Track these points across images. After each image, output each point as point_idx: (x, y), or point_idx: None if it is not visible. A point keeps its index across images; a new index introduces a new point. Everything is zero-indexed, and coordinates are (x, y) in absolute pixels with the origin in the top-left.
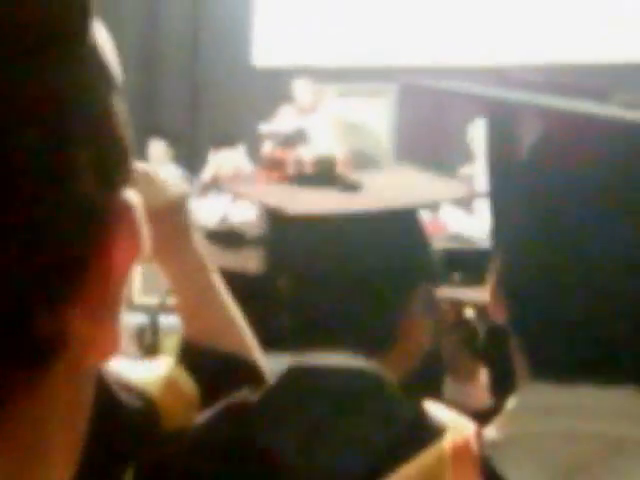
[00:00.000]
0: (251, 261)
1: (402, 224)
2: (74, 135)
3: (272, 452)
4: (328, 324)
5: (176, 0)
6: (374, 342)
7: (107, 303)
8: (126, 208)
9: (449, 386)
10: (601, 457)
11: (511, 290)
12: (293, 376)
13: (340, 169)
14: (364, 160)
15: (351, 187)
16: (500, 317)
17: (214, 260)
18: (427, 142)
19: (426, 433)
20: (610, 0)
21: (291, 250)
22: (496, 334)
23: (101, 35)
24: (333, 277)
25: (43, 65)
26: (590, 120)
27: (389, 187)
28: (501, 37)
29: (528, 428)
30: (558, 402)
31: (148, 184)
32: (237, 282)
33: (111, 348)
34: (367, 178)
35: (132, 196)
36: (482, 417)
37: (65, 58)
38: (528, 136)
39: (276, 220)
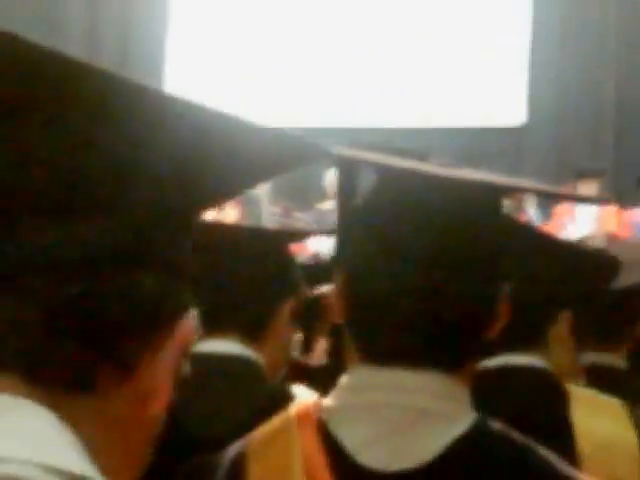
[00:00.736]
0: None
1: (275, 247)
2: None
3: (180, 419)
4: (221, 319)
5: None
6: (251, 333)
7: (164, 369)
8: (188, 326)
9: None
10: (410, 423)
11: (349, 297)
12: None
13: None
14: (249, 198)
15: None
16: (339, 317)
17: None
18: (295, 185)
19: (283, 403)
20: (434, 76)
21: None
22: (338, 330)
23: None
24: (228, 286)
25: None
26: (412, 173)
27: None
28: (352, 105)
29: (355, 400)
30: (379, 381)
31: None
32: None
33: (163, 397)
34: None
35: (192, 316)
36: (317, 372)
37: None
38: (367, 183)
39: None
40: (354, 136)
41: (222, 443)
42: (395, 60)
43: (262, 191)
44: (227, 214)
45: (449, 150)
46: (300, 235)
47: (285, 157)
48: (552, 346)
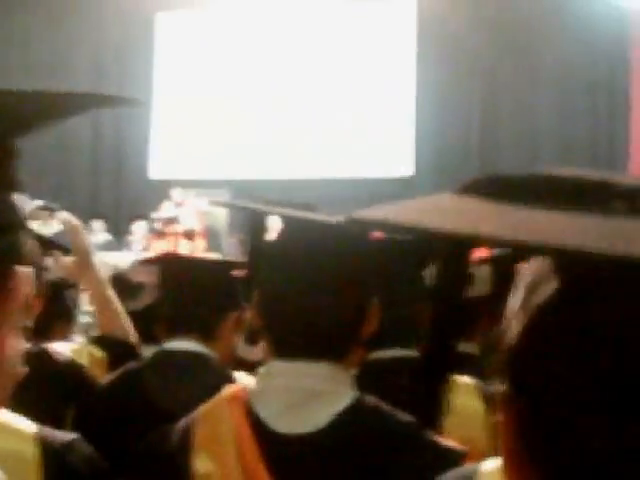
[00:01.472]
0: (143, 296)
1: (223, 274)
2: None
3: (152, 398)
4: (184, 324)
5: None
6: (206, 335)
7: (6, 320)
8: (24, 280)
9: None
10: (307, 399)
11: (262, 310)
12: (159, 354)
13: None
14: (212, 232)
15: None
16: (257, 324)
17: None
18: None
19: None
20: (335, 134)
21: (168, 284)
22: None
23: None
24: (188, 300)
25: None
26: (304, 220)
27: None
28: (252, 158)
29: (268, 383)
30: (284, 370)
31: (72, 228)
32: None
33: (10, 343)
34: None
35: (21, 270)
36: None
37: None
38: (274, 229)
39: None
40: (253, 187)
41: (182, 415)
42: (299, 119)
43: (222, 226)
44: (196, 245)
45: (346, 198)
46: (241, 265)
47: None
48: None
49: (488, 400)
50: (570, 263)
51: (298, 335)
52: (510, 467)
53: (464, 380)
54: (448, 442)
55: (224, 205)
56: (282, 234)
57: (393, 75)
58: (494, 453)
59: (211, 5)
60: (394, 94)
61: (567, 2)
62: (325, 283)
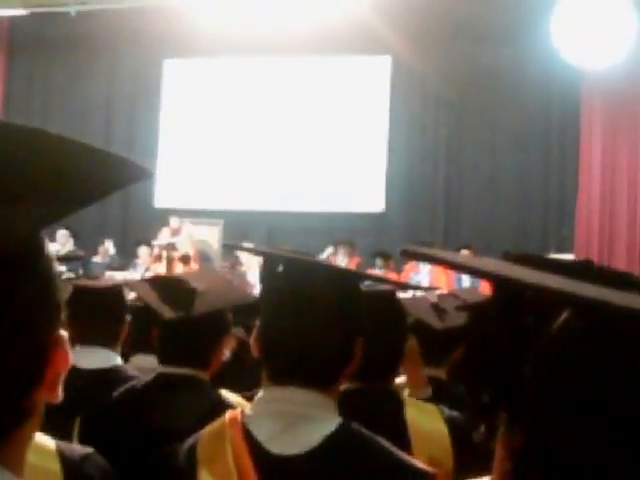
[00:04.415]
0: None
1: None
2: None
3: (154, 417)
4: (180, 358)
5: None
6: (201, 363)
7: (56, 382)
8: (61, 337)
9: None
10: (297, 423)
11: (263, 339)
12: (159, 376)
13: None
14: (205, 256)
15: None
16: (256, 352)
17: None
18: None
19: (223, 408)
20: (317, 174)
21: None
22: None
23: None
24: (186, 326)
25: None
26: (307, 263)
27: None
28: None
29: (263, 408)
30: (278, 396)
31: None
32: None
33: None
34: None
35: (62, 332)
36: None
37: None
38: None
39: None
40: (243, 217)
41: (182, 435)
42: (287, 160)
43: (214, 251)
44: (190, 268)
45: (325, 229)
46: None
47: (110, 177)
48: (406, 364)
49: (450, 423)
50: (591, 313)
51: (292, 365)
52: None
53: (429, 406)
54: (419, 464)
55: (242, 249)
56: (284, 275)
57: (368, 123)
58: (457, 472)
59: (212, 56)
60: (368, 140)
61: (526, 61)
62: (318, 320)
